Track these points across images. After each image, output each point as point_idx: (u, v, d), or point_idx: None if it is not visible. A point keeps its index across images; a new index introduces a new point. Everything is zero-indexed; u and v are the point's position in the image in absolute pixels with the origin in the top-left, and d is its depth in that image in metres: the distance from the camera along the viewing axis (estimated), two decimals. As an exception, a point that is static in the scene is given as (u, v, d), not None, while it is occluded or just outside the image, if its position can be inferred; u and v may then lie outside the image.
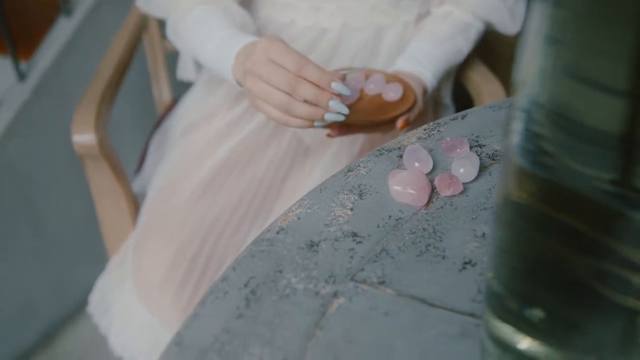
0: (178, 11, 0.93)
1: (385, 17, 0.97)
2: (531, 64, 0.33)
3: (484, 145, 0.65)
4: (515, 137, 0.35)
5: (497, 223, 0.40)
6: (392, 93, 0.86)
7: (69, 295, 1.54)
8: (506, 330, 0.42)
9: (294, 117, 0.72)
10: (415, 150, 0.63)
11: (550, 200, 0.35)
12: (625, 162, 0.32)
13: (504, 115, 0.70)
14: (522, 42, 0.34)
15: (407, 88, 0.87)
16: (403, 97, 0.86)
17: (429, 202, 0.59)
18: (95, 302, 1.02)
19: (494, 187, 0.60)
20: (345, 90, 0.69)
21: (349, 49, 0.97)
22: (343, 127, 0.80)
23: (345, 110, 0.68)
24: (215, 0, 0.91)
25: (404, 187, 0.58)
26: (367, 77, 0.88)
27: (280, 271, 0.52)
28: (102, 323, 1.02)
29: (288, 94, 0.71)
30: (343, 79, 0.73)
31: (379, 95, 0.87)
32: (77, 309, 1.52)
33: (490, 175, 0.62)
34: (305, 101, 0.72)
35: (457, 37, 0.96)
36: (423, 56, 0.93)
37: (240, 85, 0.80)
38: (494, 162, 0.63)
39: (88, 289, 1.03)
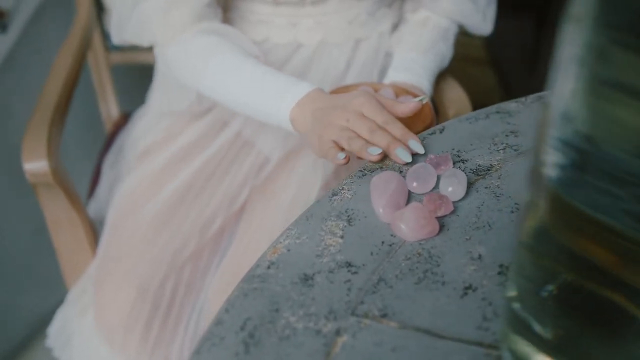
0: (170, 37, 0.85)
1: (362, 29, 0.95)
2: (574, 97, 0.32)
3: (466, 160, 0.64)
4: (554, 171, 0.33)
5: (524, 249, 0.39)
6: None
7: (17, 325, 1.46)
8: (525, 348, 0.41)
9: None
10: (419, 170, 0.61)
11: (588, 233, 0.34)
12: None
13: (481, 127, 0.69)
14: (554, 70, 0.32)
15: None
16: (420, 111, 0.82)
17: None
18: (55, 334, 0.97)
19: (483, 205, 0.59)
20: (420, 149, 0.66)
21: (323, 63, 0.94)
22: None
23: (409, 159, 0.65)
24: (212, 29, 0.85)
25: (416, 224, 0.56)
26: (375, 90, 0.85)
27: (277, 310, 0.49)
28: (63, 357, 0.96)
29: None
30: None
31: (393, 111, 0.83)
32: (27, 339, 1.45)
33: (477, 192, 0.60)
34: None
35: (439, 43, 0.95)
36: (416, 66, 0.91)
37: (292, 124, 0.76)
38: (479, 177, 0.62)
39: (38, 318, 0.97)
